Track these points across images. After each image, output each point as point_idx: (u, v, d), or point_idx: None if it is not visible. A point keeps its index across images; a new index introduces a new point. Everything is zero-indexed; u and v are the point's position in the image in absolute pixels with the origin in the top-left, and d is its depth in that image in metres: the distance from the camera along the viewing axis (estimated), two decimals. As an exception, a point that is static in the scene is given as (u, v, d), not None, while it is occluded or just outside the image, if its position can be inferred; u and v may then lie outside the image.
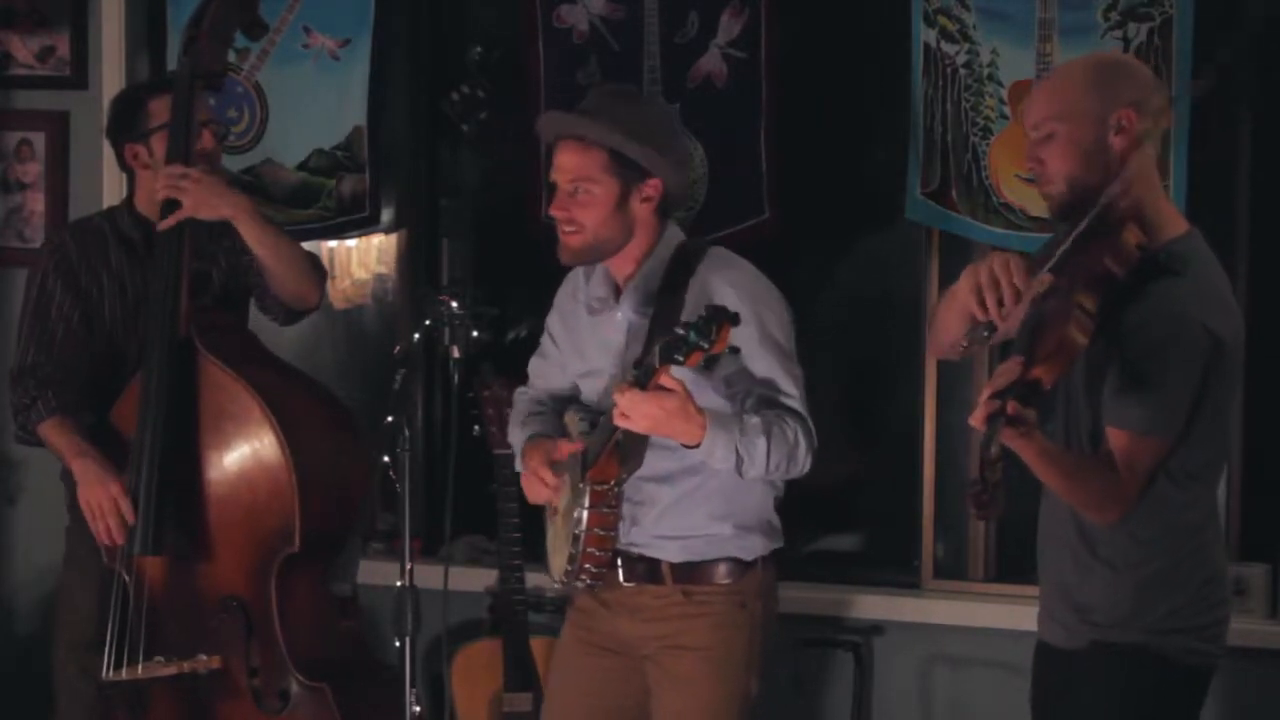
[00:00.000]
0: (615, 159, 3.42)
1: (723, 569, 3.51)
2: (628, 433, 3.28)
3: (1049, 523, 3.16)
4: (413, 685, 3.24)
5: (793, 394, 3.41)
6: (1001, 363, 2.88)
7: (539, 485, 3.50)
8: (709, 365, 3.11)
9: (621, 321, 3.52)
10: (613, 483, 3.42)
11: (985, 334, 2.90)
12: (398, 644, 3.20)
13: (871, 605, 4.41)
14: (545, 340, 3.70)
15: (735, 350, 3.07)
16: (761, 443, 3.31)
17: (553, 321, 3.68)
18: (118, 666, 3.74)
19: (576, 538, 3.43)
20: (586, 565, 3.46)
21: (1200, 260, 3.02)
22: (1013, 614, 4.08)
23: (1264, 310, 4.05)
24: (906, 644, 4.38)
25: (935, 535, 4.48)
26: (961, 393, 4.42)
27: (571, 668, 3.65)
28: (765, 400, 3.40)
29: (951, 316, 3.11)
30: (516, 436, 3.66)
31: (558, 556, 3.55)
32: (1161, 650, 3.00)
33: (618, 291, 3.55)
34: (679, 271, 3.48)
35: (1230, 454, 4.05)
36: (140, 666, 3.74)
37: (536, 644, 4.27)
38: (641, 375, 3.14)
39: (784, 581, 4.47)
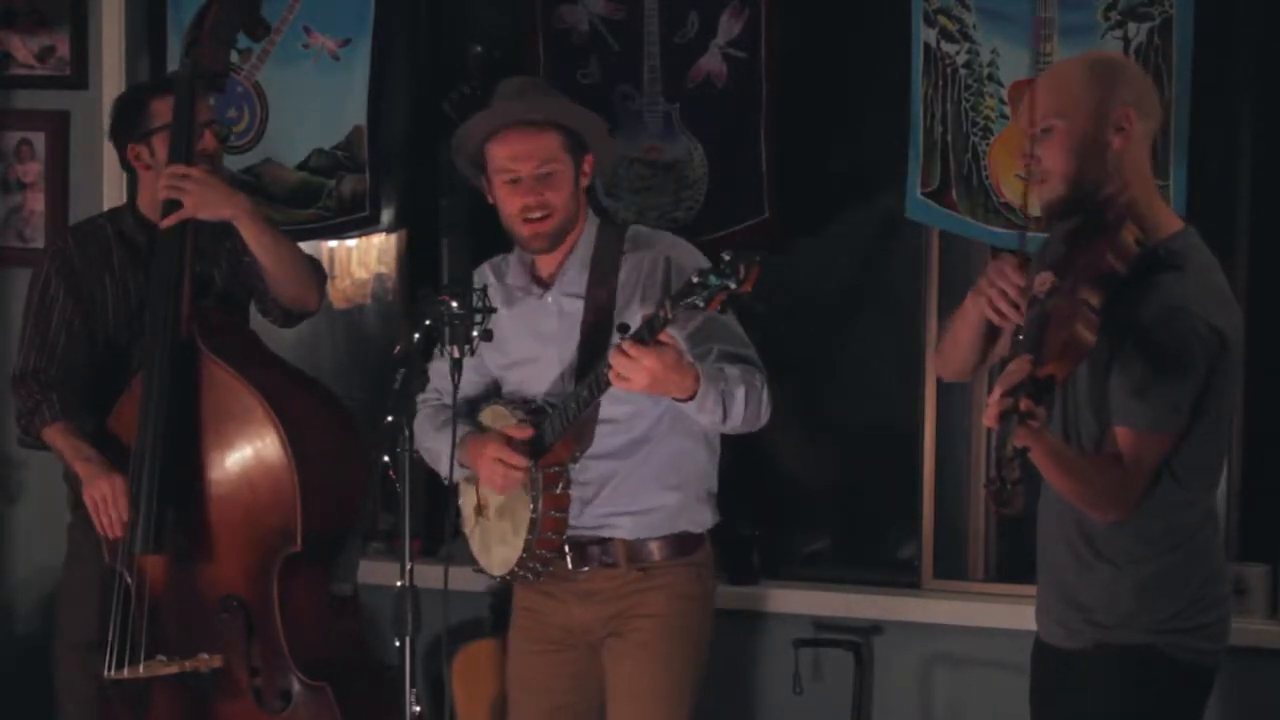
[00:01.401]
0: (566, 137, 3.48)
1: (676, 543, 3.54)
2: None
3: (1048, 521, 3.16)
4: (413, 685, 3.23)
5: (751, 346, 3.47)
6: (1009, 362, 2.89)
7: (507, 470, 3.45)
8: (723, 310, 3.08)
9: (553, 305, 3.54)
10: (567, 462, 3.43)
11: (1020, 337, 2.92)
12: (398, 644, 3.20)
13: (871, 605, 4.40)
14: None
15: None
16: (740, 393, 3.35)
17: None
18: (119, 665, 3.74)
19: (533, 523, 3.44)
20: (540, 551, 3.48)
21: (1199, 256, 3.03)
22: (1012, 614, 4.07)
23: (1264, 310, 4.04)
24: (906, 644, 4.38)
25: (935, 535, 4.48)
26: (961, 393, 4.42)
27: (527, 672, 3.67)
28: (728, 355, 3.43)
29: (966, 334, 3.14)
30: (436, 442, 3.61)
31: (500, 548, 3.56)
32: (1165, 650, 3.00)
33: (537, 279, 3.56)
34: (606, 253, 3.51)
35: (1230, 454, 4.05)
36: (141, 666, 3.74)
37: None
38: (645, 330, 3.13)
39: (784, 581, 4.51)
